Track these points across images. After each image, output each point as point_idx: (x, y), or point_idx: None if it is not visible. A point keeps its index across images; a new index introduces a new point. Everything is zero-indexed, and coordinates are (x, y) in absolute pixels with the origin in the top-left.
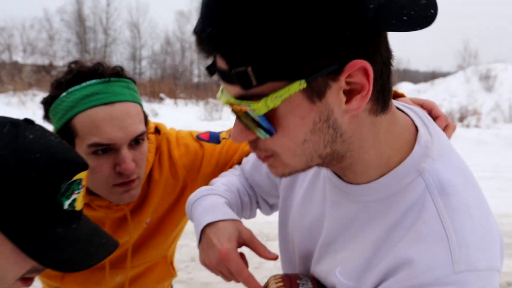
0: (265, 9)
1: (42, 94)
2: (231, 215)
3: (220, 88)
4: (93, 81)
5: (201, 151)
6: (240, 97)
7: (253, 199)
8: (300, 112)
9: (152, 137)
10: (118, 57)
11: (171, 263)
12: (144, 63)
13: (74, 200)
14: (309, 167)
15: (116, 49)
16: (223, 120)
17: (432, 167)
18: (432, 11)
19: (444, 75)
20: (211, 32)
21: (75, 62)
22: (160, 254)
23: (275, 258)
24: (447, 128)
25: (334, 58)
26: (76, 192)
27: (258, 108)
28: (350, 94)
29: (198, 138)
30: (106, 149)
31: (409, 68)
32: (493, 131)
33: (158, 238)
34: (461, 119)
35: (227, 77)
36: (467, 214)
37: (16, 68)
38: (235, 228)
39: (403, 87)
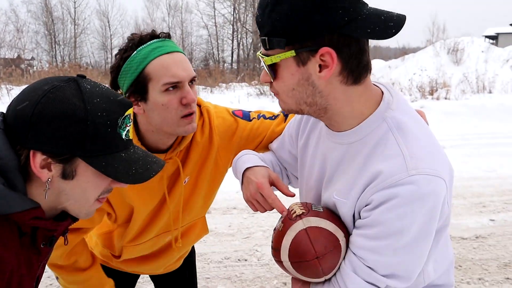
0: (277, 16)
1: (17, 88)
2: (263, 163)
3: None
4: (154, 40)
5: (235, 124)
6: (263, 54)
7: (283, 172)
8: (291, 70)
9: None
10: (89, 47)
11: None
12: (115, 52)
13: (128, 131)
14: (301, 110)
15: (86, 39)
16: None
17: (392, 114)
18: (394, 30)
19: (414, 50)
20: (257, 17)
21: (133, 34)
22: (199, 214)
23: (292, 195)
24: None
25: (314, 43)
26: (128, 124)
27: (266, 61)
28: (322, 67)
29: (234, 113)
30: (174, 86)
31: (380, 45)
32: (461, 102)
33: (197, 199)
34: (432, 92)
35: (261, 42)
36: (416, 140)
37: None
38: (266, 170)
39: (375, 64)
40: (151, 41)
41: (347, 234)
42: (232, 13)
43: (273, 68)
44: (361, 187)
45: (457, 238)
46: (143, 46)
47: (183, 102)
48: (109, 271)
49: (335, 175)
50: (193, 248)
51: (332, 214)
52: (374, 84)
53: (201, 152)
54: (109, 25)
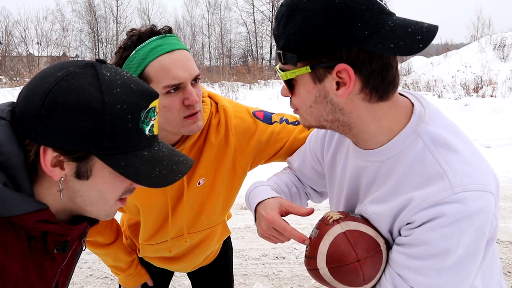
0: (291, 29)
1: None
2: (274, 194)
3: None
4: (154, 38)
5: (254, 126)
6: (280, 68)
7: (301, 190)
8: (307, 87)
9: (208, 100)
10: None
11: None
12: None
13: (152, 125)
14: (322, 126)
15: None
16: (239, 100)
17: (425, 129)
18: (421, 45)
19: (457, 46)
20: (274, 30)
21: (133, 30)
22: (220, 219)
23: (311, 211)
24: None
25: (330, 59)
26: (153, 118)
27: (282, 76)
28: (339, 85)
29: (254, 115)
30: (176, 88)
31: None
32: (508, 100)
33: (216, 202)
34: (477, 89)
35: (277, 56)
36: (456, 154)
37: (32, 60)
38: (277, 201)
39: (416, 61)
40: (151, 39)
41: (387, 243)
42: (270, 10)
43: (290, 84)
44: (397, 206)
45: (505, 243)
46: (142, 45)
47: (185, 103)
48: (145, 263)
49: (369, 192)
50: (229, 239)
51: (370, 222)
52: (401, 94)
53: (216, 153)
54: (149, 23)
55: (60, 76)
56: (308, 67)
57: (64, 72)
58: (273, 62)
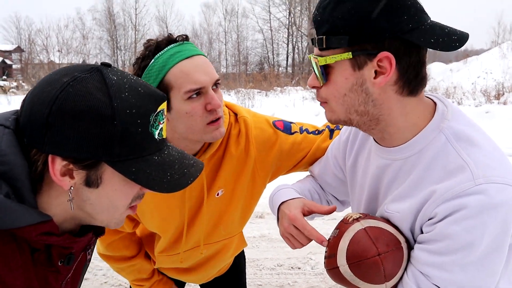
0: (338, 14)
1: None
2: (298, 195)
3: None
4: (172, 45)
5: (274, 137)
6: (316, 54)
7: (322, 197)
8: (345, 73)
9: (226, 109)
10: None
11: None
12: None
13: (161, 129)
14: (350, 120)
15: None
16: (255, 108)
17: (448, 125)
18: (457, 44)
19: (477, 52)
20: (316, 16)
21: (149, 40)
22: (237, 230)
23: (334, 208)
24: None
25: (373, 47)
26: (162, 122)
27: (320, 61)
28: (377, 74)
29: (274, 125)
30: (198, 93)
31: None
32: None
33: (234, 213)
34: (498, 96)
35: (315, 42)
36: (478, 148)
37: (53, 67)
38: (300, 201)
39: (434, 68)
40: (169, 47)
41: (408, 242)
42: (287, 17)
43: (326, 71)
44: (419, 201)
45: None
46: (160, 53)
47: (208, 108)
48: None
49: (389, 191)
50: (242, 251)
51: (390, 221)
52: (425, 96)
53: (236, 164)
54: (167, 30)
55: (66, 82)
56: (350, 53)
57: (69, 77)
58: (289, 69)
